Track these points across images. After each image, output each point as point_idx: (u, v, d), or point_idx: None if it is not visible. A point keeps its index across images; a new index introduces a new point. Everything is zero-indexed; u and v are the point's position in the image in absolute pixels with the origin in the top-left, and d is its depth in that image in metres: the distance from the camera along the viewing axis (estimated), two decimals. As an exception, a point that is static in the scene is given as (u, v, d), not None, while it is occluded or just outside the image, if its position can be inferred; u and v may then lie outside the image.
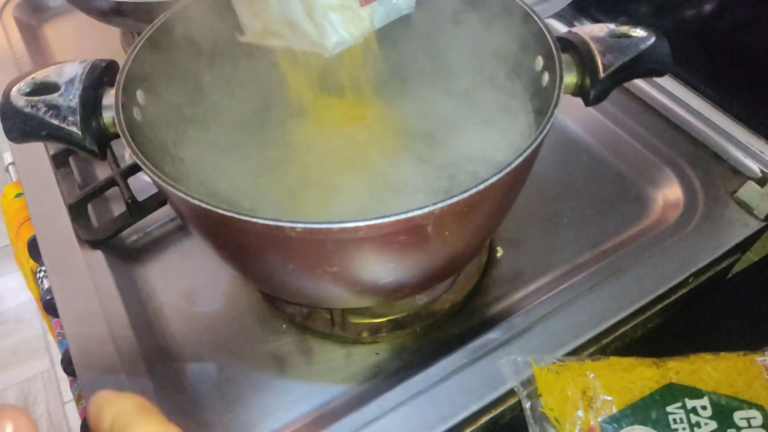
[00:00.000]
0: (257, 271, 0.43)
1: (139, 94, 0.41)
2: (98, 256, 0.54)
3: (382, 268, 0.38)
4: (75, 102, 0.37)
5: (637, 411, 0.41)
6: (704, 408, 0.41)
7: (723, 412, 0.41)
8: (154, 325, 0.51)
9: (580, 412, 0.41)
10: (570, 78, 0.41)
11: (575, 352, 0.46)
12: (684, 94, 0.62)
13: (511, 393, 0.43)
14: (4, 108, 0.37)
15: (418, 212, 0.32)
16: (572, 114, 0.64)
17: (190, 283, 0.54)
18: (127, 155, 0.60)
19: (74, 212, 0.56)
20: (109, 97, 0.39)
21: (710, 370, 0.43)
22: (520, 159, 0.34)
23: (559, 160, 0.61)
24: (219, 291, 0.53)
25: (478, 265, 0.53)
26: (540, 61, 0.42)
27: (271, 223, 0.31)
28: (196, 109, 0.48)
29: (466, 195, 0.32)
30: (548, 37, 0.41)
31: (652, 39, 0.42)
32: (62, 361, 0.56)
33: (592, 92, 0.41)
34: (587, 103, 0.42)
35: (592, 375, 0.42)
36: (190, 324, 0.51)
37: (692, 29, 0.61)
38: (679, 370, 0.43)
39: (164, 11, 0.44)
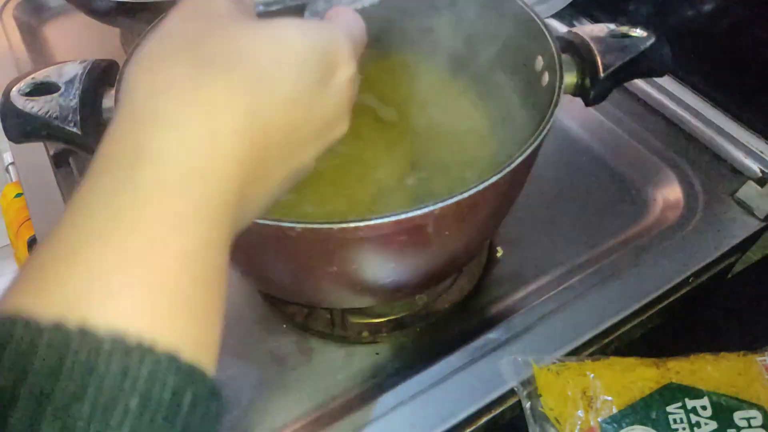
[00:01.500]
0: (257, 271, 0.43)
1: (139, 94, 0.41)
2: (98, 256, 0.54)
3: (382, 268, 0.38)
4: (75, 102, 0.37)
5: (637, 411, 0.41)
6: (704, 408, 0.41)
7: (723, 412, 0.41)
8: (154, 325, 0.51)
9: (580, 412, 0.41)
10: (570, 78, 0.41)
11: (575, 352, 0.46)
12: (684, 94, 0.62)
13: (511, 393, 0.43)
14: (4, 108, 0.37)
15: (418, 212, 0.32)
16: (572, 114, 0.64)
17: None
18: (127, 155, 0.60)
19: (74, 212, 0.56)
20: (109, 97, 0.39)
21: (710, 370, 0.43)
22: (520, 159, 0.34)
23: (559, 160, 0.61)
24: (219, 291, 0.53)
25: (478, 265, 0.53)
26: (540, 61, 0.42)
27: (271, 223, 0.31)
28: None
29: (466, 195, 0.32)
30: (548, 37, 0.41)
31: (652, 39, 0.42)
32: (62, 361, 0.56)
33: (592, 92, 0.41)
34: (587, 103, 0.42)
35: (592, 375, 0.42)
36: (190, 324, 0.51)
37: (692, 29, 0.61)
38: (679, 370, 0.43)
39: (164, 11, 0.44)
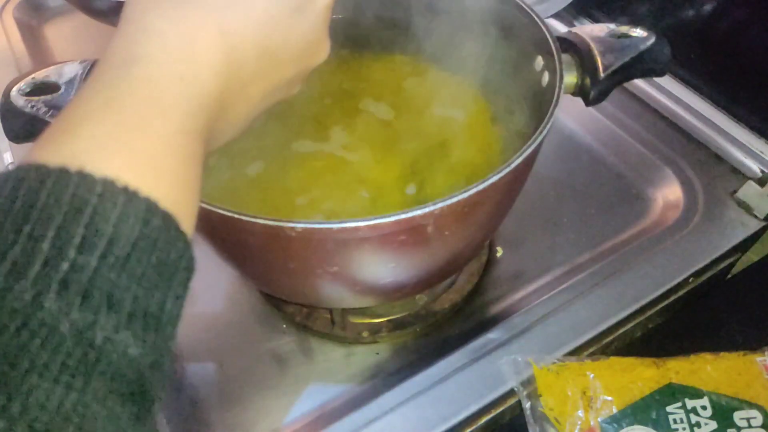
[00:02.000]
0: (257, 271, 0.43)
1: (139, 94, 0.41)
2: (98, 256, 0.54)
3: (382, 268, 0.38)
4: (75, 102, 0.37)
5: (637, 411, 0.41)
6: (704, 408, 0.41)
7: (723, 412, 0.41)
8: (154, 325, 0.51)
9: (580, 412, 0.41)
10: (570, 78, 0.41)
11: (575, 352, 0.46)
12: (684, 94, 0.62)
13: (511, 393, 0.43)
14: (4, 108, 0.37)
15: (418, 212, 0.32)
16: (572, 114, 0.64)
17: (190, 283, 0.54)
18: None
19: (74, 212, 0.56)
20: (109, 97, 0.38)
21: (710, 370, 0.43)
22: (520, 159, 0.34)
23: (559, 160, 0.61)
24: (219, 291, 0.53)
25: (478, 265, 0.53)
26: (540, 61, 0.42)
27: (271, 223, 0.31)
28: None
29: (466, 195, 0.32)
30: (548, 37, 0.41)
31: (652, 39, 0.42)
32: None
33: (592, 92, 0.41)
34: (587, 103, 0.42)
35: (592, 375, 0.42)
36: (190, 324, 0.51)
37: (692, 29, 0.61)
38: (679, 370, 0.43)
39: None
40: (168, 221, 0.21)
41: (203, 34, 0.25)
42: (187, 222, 0.22)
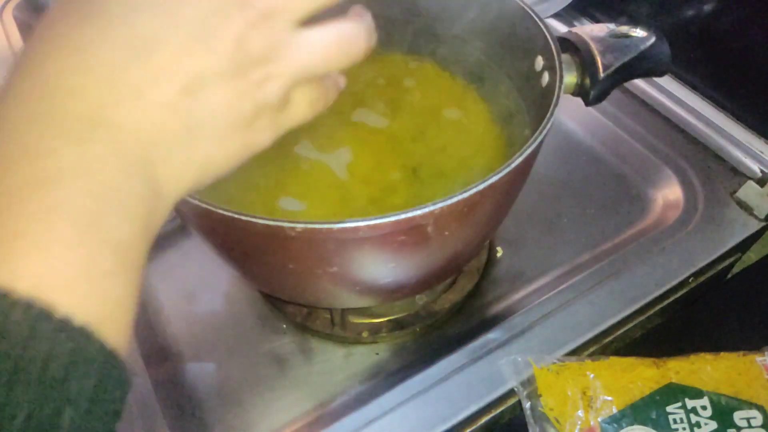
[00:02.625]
0: (257, 271, 0.43)
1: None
2: (98, 256, 0.54)
3: (382, 268, 0.38)
4: (75, 102, 0.37)
5: (637, 411, 0.41)
6: (704, 408, 0.41)
7: (723, 412, 0.41)
8: (154, 325, 0.51)
9: (580, 412, 0.41)
10: (570, 78, 0.41)
11: (575, 352, 0.46)
12: (684, 94, 0.62)
13: (511, 393, 0.43)
14: (4, 108, 0.37)
15: (418, 212, 0.32)
16: (572, 114, 0.64)
17: (190, 283, 0.54)
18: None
19: (74, 212, 0.56)
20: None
21: (710, 370, 0.43)
22: (520, 159, 0.34)
23: (559, 160, 0.61)
24: (219, 291, 0.53)
25: (478, 265, 0.53)
26: (540, 61, 0.42)
27: (271, 223, 0.31)
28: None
29: (466, 195, 0.32)
30: (548, 37, 0.41)
31: (652, 39, 0.42)
32: (62, 361, 0.56)
33: (592, 92, 0.41)
34: (587, 103, 0.42)
35: (592, 375, 0.42)
36: (190, 324, 0.51)
37: (692, 29, 0.61)
38: (679, 370, 0.43)
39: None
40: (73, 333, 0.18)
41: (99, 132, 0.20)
42: (114, 330, 0.19)
